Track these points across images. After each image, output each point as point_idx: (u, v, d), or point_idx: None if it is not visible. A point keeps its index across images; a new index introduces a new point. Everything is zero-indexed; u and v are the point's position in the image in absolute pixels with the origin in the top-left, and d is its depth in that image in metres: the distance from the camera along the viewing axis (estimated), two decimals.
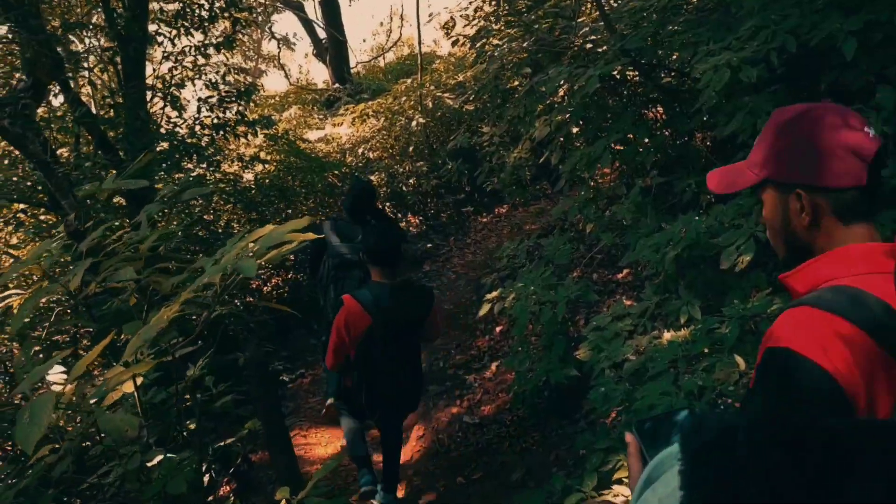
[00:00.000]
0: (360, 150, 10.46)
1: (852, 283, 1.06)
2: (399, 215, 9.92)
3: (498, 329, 5.56)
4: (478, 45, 5.36)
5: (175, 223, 7.49)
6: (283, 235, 1.58)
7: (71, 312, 3.32)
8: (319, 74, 17.01)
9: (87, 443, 2.60)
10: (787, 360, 1.01)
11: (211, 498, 4.30)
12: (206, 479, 4.17)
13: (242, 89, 7.56)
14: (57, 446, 1.69)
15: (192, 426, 2.70)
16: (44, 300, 1.98)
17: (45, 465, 1.67)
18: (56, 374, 2.09)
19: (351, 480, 4.15)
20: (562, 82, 3.99)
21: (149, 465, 2.27)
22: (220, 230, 8.24)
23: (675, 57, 3.90)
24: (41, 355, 2.76)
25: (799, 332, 1.03)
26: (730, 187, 1.26)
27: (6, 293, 2.04)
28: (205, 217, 8.38)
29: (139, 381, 2.21)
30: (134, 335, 1.56)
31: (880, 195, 1.16)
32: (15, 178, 6.23)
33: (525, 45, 4.40)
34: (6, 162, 6.64)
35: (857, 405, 0.98)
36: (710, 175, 1.30)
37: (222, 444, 3.21)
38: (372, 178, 9.48)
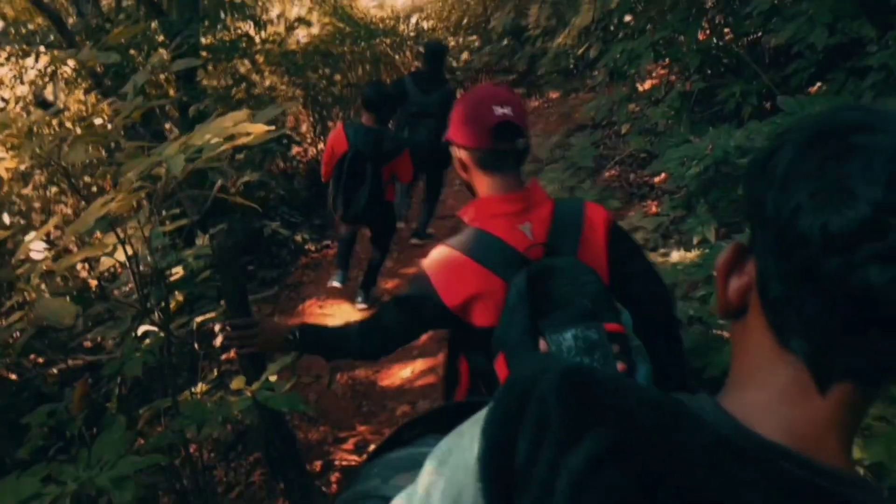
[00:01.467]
0: (414, 19, 10.03)
1: (480, 225, 1.56)
2: None
3: None
4: None
5: (215, 83, 7.42)
6: (223, 130, 1.49)
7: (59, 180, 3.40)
8: None
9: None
10: (420, 277, 1.58)
11: (224, 357, 4.52)
12: (218, 340, 4.36)
13: None
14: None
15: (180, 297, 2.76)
16: (25, 166, 1.97)
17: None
18: (39, 248, 2.12)
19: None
20: None
21: (139, 332, 2.35)
22: (263, 93, 8.15)
23: None
24: (22, 221, 2.81)
25: (432, 260, 1.58)
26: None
27: None
28: (251, 77, 8.28)
29: (131, 250, 2.24)
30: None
31: (520, 155, 1.60)
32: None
33: None
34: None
35: (453, 312, 1.54)
36: None
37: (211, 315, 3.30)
38: (423, 51, 9.14)
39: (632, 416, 0.54)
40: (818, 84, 3.60)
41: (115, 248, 2.10)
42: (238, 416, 2.63)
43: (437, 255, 1.59)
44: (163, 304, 2.04)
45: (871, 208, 0.47)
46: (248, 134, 1.58)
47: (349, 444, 3.42)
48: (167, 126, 6.82)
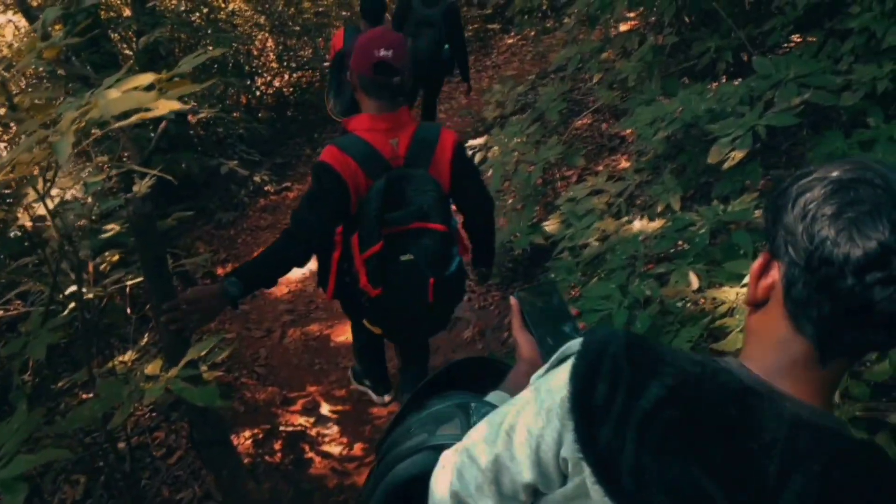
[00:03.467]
0: None
1: (359, 134, 2.04)
2: None
3: (490, 173, 5.28)
4: None
5: (174, 4, 6.96)
6: (126, 103, 1.28)
7: None
8: None
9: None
10: (323, 166, 1.99)
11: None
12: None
13: None
14: None
15: (115, 258, 2.57)
16: None
17: None
18: None
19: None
20: None
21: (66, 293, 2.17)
22: (224, 18, 7.71)
23: None
24: None
25: (327, 154, 2.00)
26: None
27: None
28: (215, 3, 7.80)
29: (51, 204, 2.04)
30: None
31: (396, 88, 2.02)
32: None
33: None
34: None
35: (350, 191, 1.99)
36: None
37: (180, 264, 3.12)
38: None
39: (684, 370, 0.75)
40: (796, 36, 3.41)
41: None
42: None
43: (328, 150, 2.02)
44: (74, 267, 1.85)
45: (880, 246, 0.67)
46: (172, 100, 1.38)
47: (297, 406, 3.31)
48: (123, 48, 6.42)
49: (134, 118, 1.40)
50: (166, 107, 1.37)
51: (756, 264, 0.80)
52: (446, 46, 5.25)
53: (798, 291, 0.73)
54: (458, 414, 1.08)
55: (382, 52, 1.97)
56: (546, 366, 0.88)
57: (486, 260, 2.51)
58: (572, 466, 0.77)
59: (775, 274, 0.76)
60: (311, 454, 2.97)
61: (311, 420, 3.21)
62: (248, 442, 2.96)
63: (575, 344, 0.84)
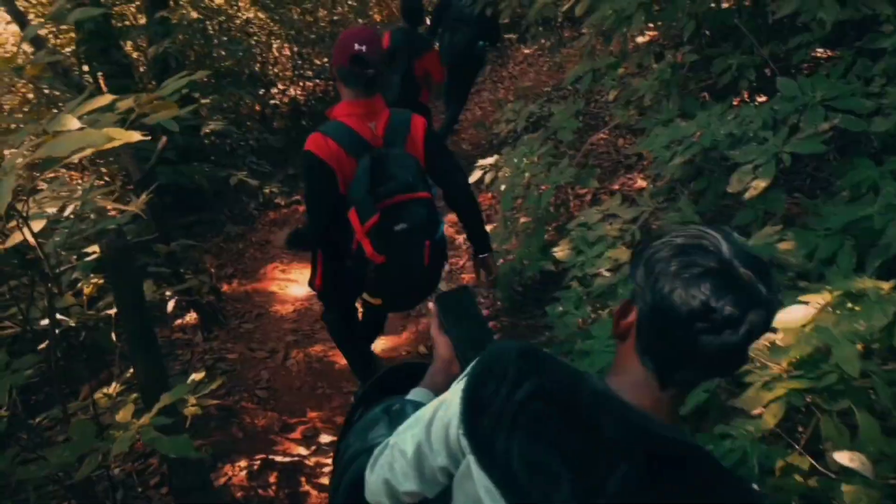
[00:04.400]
0: None
1: (340, 119, 2.30)
2: None
3: (504, 187, 5.14)
4: None
5: (184, 12, 6.90)
6: (74, 142, 1.17)
7: None
8: None
9: None
10: (307, 154, 2.26)
11: (178, 322, 4.27)
12: (170, 305, 4.09)
13: None
14: None
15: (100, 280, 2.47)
16: None
17: None
18: None
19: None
20: None
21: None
22: (238, 26, 7.65)
23: None
24: None
25: (311, 142, 2.26)
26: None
27: None
28: (230, 12, 7.74)
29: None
30: None
31: (371, 79, 2.27)
32: None
33: None
34: None
35: (336, 173, 2.26)
36: None
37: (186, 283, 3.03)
38: None
39: (554, 373, 0.93)
40: (821, 51, 3.25)
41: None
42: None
43: (312, 137, 2.27)
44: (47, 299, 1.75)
45: (702, 304, 0.84)
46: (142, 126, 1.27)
47: (297, 433, 3.20)
48: (139, 57, 6.35)
49: (88, 151, 1.30)
50: (124, 137, 1.27)
51: (618, 307, 0.98)
52: (481, 43, 5.60)
53: (643, 335, 0.92)
54: (383, 418, 1.27)
55: (358, 47, 2.21)
56: (463, 374, 1.01)
57: (481, 236, 2.68)
58: (462, 448, 0.93)
59: (633, 315, 0.94)
60: (307, 487, 2.85)
61: (311, 449, 3.10)
62: (243, 473, 2.84)
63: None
